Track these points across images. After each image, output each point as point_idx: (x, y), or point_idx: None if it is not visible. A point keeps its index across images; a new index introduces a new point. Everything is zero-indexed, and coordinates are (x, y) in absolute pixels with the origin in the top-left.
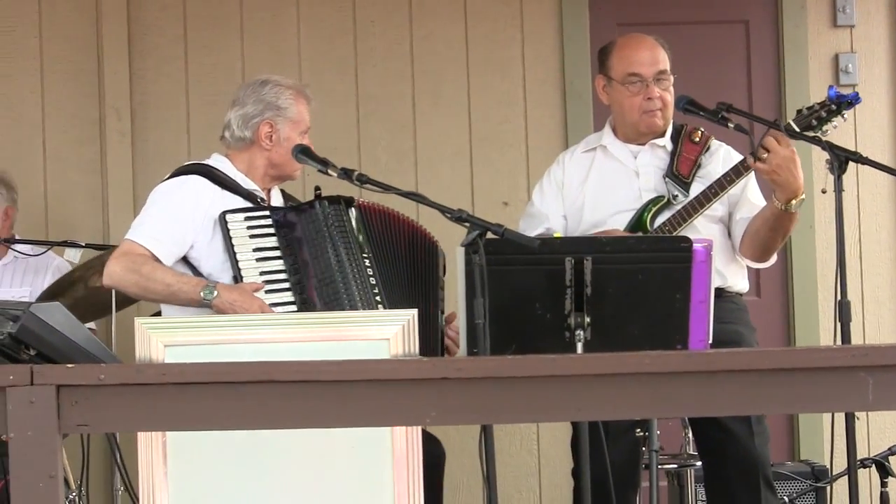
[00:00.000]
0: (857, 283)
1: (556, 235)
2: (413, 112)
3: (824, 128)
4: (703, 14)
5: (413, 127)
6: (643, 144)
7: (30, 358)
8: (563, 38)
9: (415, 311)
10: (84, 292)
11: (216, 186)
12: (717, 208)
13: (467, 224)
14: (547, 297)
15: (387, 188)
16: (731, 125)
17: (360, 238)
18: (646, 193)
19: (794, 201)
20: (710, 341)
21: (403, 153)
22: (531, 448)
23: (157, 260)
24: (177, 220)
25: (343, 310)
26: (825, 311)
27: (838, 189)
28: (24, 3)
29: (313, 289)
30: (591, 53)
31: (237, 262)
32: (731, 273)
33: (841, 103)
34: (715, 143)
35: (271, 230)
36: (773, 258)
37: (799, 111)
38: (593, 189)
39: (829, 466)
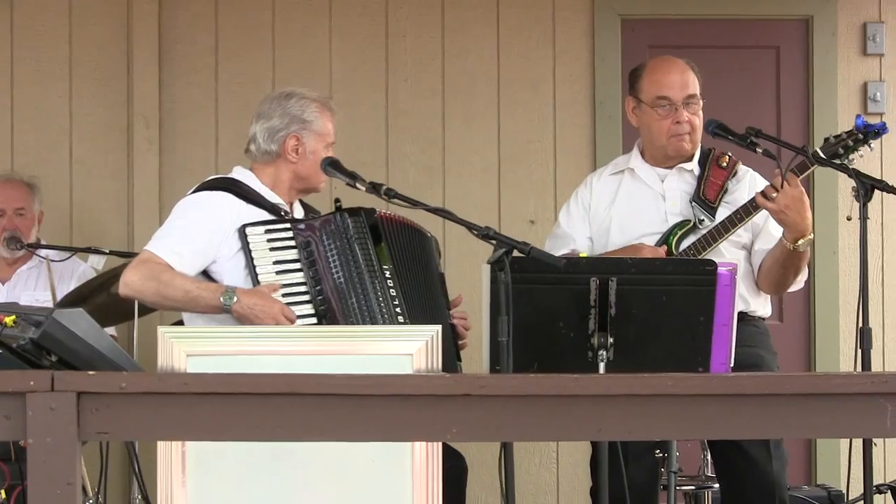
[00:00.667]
0: (878, 310)
1: (581, 255)
2: (443, 128)
3: (850, 156)
4: (734, 39)
5: (442, 142)
6: (671, 168)
7: (51, 364)
8: (594, 58)
9: (438, 328)
10: (106, 299)
11: (241, 201)
12: (742, 234)
13: (494, 241)
14: (571, 317)
15: (414, 203)
16: (759, 150)
17: (381, 250)
18: (672, 217)
19: (801, 241)
20: (732, 364)
21: (432, 168)
22: (550, 466)
23: None
24: (199, 235)
25: (363, 323)
26: (846, 337)
27: (863, 216)
28: (55, 9)
29: (333, 302)
30: (623, 74)
31: (257, 275)
32: (753, 297)
33: (868, 133)
34: (742, 169)
35: (292, 243)
36: (801, 284)
37: (826, 139)
38: (620, 212)
39: (845, 491)
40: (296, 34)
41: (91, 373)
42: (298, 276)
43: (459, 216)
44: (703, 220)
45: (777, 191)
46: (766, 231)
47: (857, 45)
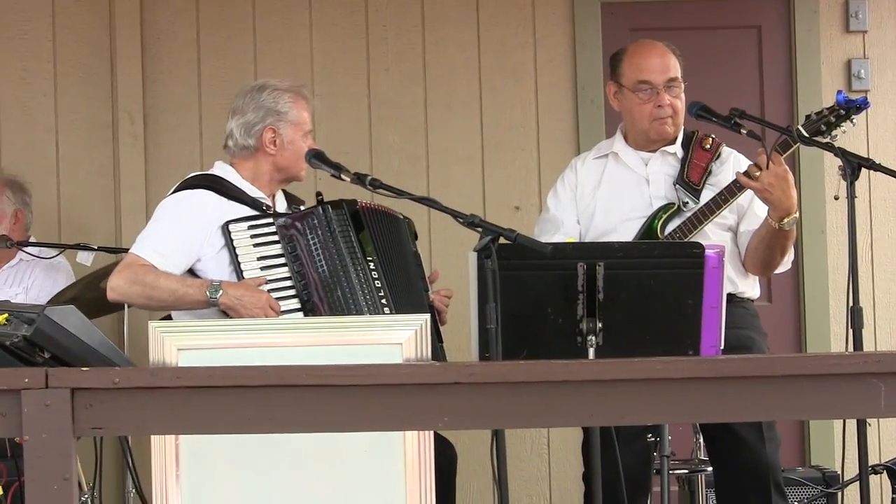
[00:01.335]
0: (868, 289)
1: (568, 241)
2: (425, 116)
3: (833, 132)
4: (715, 19)
5: (425, 131)
6: (654, 151)
7: (44, 361)
8: (575, 43)
9: (427, 317)
10: (96, 295)
11: (222, 198)
12: (728, 216)
13: (480, 229)
14: (559, 303)
15: (399, 193)
16: (743, 131)
17: (364, 241)
18: (656, 201)
19: (787, 219)
20: (722, 347)
21: (416, 157)
22: (541, 452)
23: None
24: (181, 234)
25: (349, 315)
26: (836, 316)
27: (850, 195)
28: (38, 6)
29: (319, 295)
30: (604, 58)
31: (241, 271)
32: (741, 279)
33: (849, 108)
34: (726, 151)
35: (275, 237)
36: (788, 265)
37: (808, 116)
38: (604, 196)
39: (840, 472)
40: (276, 26)
41: (85, 369)
42: (283, 271)
43: (444, 204)
44: (687, 203)
45: (761, 170)
46: (752, 212)
47: (840, 21)
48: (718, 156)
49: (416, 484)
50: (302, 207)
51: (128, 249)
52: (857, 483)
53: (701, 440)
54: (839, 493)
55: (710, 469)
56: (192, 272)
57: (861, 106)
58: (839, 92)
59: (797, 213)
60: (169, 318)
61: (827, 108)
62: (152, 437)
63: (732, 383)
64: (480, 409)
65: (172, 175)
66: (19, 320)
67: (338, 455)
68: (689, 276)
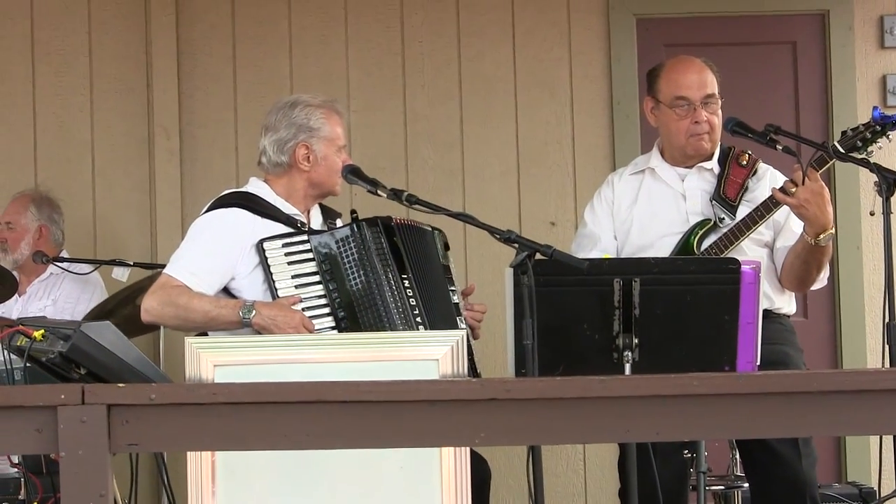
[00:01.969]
0: None
1: (605, 257)
2: (461, 131)
3: (869, 149)
4: (750, 35)
5: (461, 146)
6: (690, 167)
7: (80, 377)
8: (610, 59)
9: (463, 332)
10: (132, 311)
11: (256, 216)
12: (764, 232)
13: (516, 245)
14: (595, 318)
15: (436, 209)
16: (779, 147)
17: (400, 259)
18: (693, 217)
19: (822, 235)
20: (758, 363)
21: (451, 173)
22: (577, 468)
23: None
24: (215, 254)
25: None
26: (872, 332)
27: (886, 211)
28: (75, 21)
29: (353, 313)
30: (639, 74)
31: (276, 289)
32: (778, 295)
33: (885, 124)
34: (762, 167)
35: (310, 255)
36: (824, 281)
37: (844, 132)
38: (641, 212)
39: (876, 489)
40: (312, 42)
41: (121, 385)
42: (318, 289)
43: (480, 220)
44: (723, 219)
45: (797, 185)
46: (788, 228)
47: (875, 38)
48: (755, 172)
49: (453, 500)
50: (338, 221)
51: (163, 265)
52: (894, 499)
53: (737, 456)
54: None
55: (746, 485)
56: (226, 290)
57: None
58: (875, 108)
59: (833, 229)
60: (205, 333)
61: (863, 124)
62: (188, 453)
63: (769, 399)
64: (517, 425)
65: (208, 190)
66: (55, 336)
67: (374, 471)
68: (725, 291)
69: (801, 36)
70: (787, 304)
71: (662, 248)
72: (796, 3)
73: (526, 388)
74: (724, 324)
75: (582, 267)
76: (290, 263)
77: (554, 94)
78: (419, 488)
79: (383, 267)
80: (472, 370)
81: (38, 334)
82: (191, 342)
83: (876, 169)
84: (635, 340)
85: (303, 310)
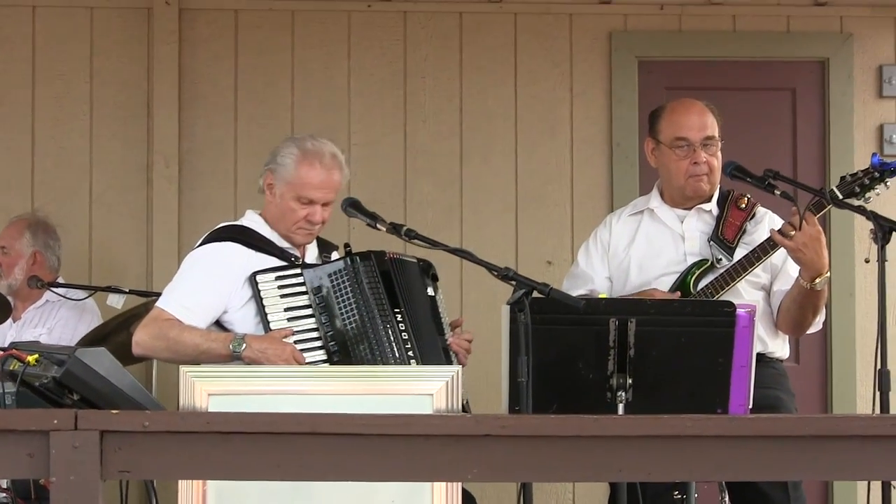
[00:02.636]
0: None
1: (601, 296)
2: (461, 168)
3: (867, 195)
4: (751, 81)
5: (460, 182)
6: (690, 209)
7: (73, 402)
8: (611, 100)
9: (459, 368)
10: (126, 338)
11: (250, 250)
12: (761, 275)
13: (513, 282)
14: (590, 357)
15: (434, 244)
16: (777, 192)
17: (393, 293)
18: (690, 257)
19: (818, 279)
20: (750, 406)
21: (450, 209)
22: None
23: None
24: (207, 289)
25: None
26: (863, 379)
27: (881, 259)
28: (77, 48)
29: (345, 347)
30: (640, 116)
31: (268, 322)
32: (772, 339)
33: (884, 171)
34: (761, 211)
35: (303, 288)
36: (819, 325)
37: (842, 178)
38: (639, 252)
39: None
40: (315, 74)
41: (114, 412)
42: (310, 322)
43: (478, 256)
44: (720, 260)
45: (795, 229)
46: (785, 272)
47: (874, 87)
48: (753, 215)
49: None
50: (334, 255)
51: (159, 293)
52: None
53: (727, 499)
54: None
55: None
56: (218, 324)
57: (895, 169)
58: (874, 154)
59: (829, 273)
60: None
61: (861, 171)
62: (180, 481)
63: (760, 442)
64: (510, 462)
65: (206, 220)
66: (50, 361)
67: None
68: (720, 334)
69: (800, 83)
70: (780, 348)
71: (660, 287)
72: (797, 51)
73: (520, 425)
74: (718, 366)
75: (579, 306)
76: (282, 296)
77: (554, 134)
78: None
79: (376, 301)
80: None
81: (31, 359)
82: (185, 371)
83: (872, 216)
84: (629, 380)
85: (295, 342)
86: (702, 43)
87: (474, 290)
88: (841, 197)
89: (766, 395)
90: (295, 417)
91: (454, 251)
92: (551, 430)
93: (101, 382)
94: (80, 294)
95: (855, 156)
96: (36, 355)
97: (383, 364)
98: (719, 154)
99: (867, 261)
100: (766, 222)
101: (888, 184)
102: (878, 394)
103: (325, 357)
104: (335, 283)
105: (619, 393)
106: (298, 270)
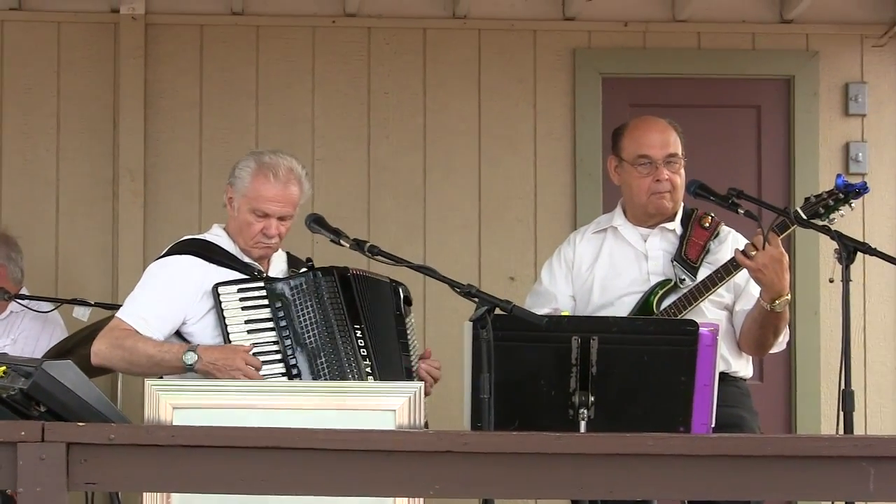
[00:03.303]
0: (860, 372)
1: (563, 314)
2: (424, 184)
3: (832, 216)
4: (715, 98)
5: (423, 198)
6: (653, 227)
7: (40, 414)
8: (575, 117)
9: (421, 385)
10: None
11: (210, 264)
12: (724, 295)
13: (476, 299)
14: (552, 375)
15: (398, 261)
16: (741, 211)
17: (354, 309)
18: (654, 277)
19: (778, 301)
20: (713, 425)
21: (413, 225)
22: None
23: None
24: (165, 301)
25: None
26: (827, 398)
27: (846, 279)
28: (43, 62)
29: (303, 361)
30: (603, 133)
31: (228, 333)
32: (735, 358)
33: (849, 192)
34: (724, 230)
35: (264, 301)
36: (782, 346)
37: (807, 199)
38: (602, 271)
39: None
40: (279, 89)
41: (81, 424)
42: (271, 336)
43: (440, 272)
44: (683, 280)
45: (757, 249)
46: (748, 292)
47: (839, 105)
48: (717, 234)
49: None
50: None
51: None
52: None
53: None
54: None
55: None
56: (178, 335)
57: (860, 191)
58: (839, 176)
59: (789, 295)
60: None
61: (826, 192)
62: (144, 493)
63: (722, 462)
64: (472, 478)
65: (171, 233)
66: (17, 373)
67: None
68: (682, 353)
69: (765, 100)
70: (743, 367)
71: (622, 307)
72: (762, 68)
73: (482, 441)
74: (681, 385)
75: (541, 323)
76: (244, 309)
77: (517, 150)
78: None
79: (336, 316)
80: None
81: None
82: (150, 384)
83: (837, 236)
84: (591, 398)
85: (254, 355)
86: (666, 60)
87: (436, 305)
88: (805, 217)
89: (730, 414)
90: (257, 432)
91: (417, 268)
92: (513, 447)
93: (67, 395)
94: (46, 306)
95: (820, 174)
96: (3, 367)
97: (340, 378)
98: (682, 172)
99: (831, 280)
100: (730, 241)
101: (853, 205)
102: (842, 413)
103: (283, 370)
104: (295, 296)
105: (581, 410)
106: (261, 284)
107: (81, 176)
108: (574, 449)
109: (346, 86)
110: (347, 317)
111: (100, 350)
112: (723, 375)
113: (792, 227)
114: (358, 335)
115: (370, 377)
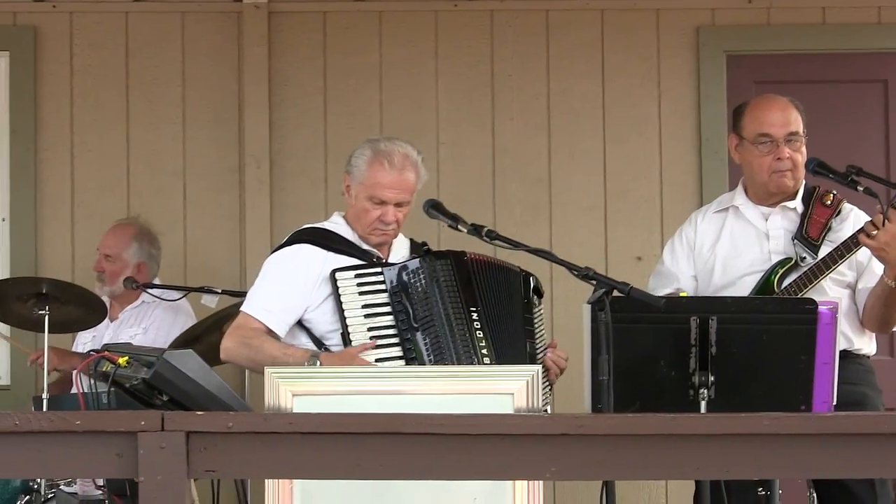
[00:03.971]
0: None
1: (682, 295)
2: (549, 166)
3: None
4: (841, 73)
5: (549, 181)
6: (774, 206)
7: (162, 403)
8: (699, 96)
9: (538, 368)
10: (218, 338)
11: (328, 252)
12: (846, 273)
13: (594, 282)
14: (672, 356)
15: (516, 245)
16: (860, 188)
17: (470, 291)
18: (775, 256)
19: None
20: (835, 402)
21: (538, 207)
22: (659, 503)
23: (271, 331)
24: (286, 291)
25: (446, 363)
26: None
27: None
28: (168, 52)
29: (420, 344)
30: (728, 111)
31: (345, 318)
32: (857, 336)
33: None
34: (846, 207)
35: (382, 286)
36: None
37: None
38: (724, 250)
39: None
40: (403, 76)
41: (200, 413)
42: (387, 320)
43: (565, 254)
44: (804, 258)
45: (877, 228)
46: (870, 269)
47: None
48: (839, 212)
49: None
50: None
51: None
52: None
53: (814, 494)
54: None
55: None
56: (300, 323)
57: None
58: None
59: None
60: None
61: None
62: (267, 480)
63: (839, 440)
64: (588, 460)
65: (297, 220)
66: (139, 363)
67: (448, 502)
68: (802, 332)
69: (892, 74)
70: (866, 344)
71: (743, 287)
72: (888, 41)
73: (597, 424)
74: (801, 364)
75: (659, 304)
76: (361, 293)
77: (642, 130)
78: None
79: (451, 299)
80: None
81: (122, 361)
82: (270, 372)
83: None
84: (711, 378)
85: (371, 339)
86: (791, 36)
87: (562, 286)
88: None
89: (852, 392)
90: (374, 418)
91: (535, 251)
92: (628, 429)
93: (188, 384)
94: (175, 295)
95: None
96: (126, 357)
97: (457, 362)
98: (804, 150)
99: None
100: (852, 219)
101: None
102: None
103: (400, 354)
104: (411, 281)
105: (702, 391)
106: (378, 269)
107: (208, 165)
108: (689, 430)
109: (469, 70)
110: (463, 300)
111: (227, 347)
112: (845, 353)
113: None
114: (474, 318)
115: (486, 360)
